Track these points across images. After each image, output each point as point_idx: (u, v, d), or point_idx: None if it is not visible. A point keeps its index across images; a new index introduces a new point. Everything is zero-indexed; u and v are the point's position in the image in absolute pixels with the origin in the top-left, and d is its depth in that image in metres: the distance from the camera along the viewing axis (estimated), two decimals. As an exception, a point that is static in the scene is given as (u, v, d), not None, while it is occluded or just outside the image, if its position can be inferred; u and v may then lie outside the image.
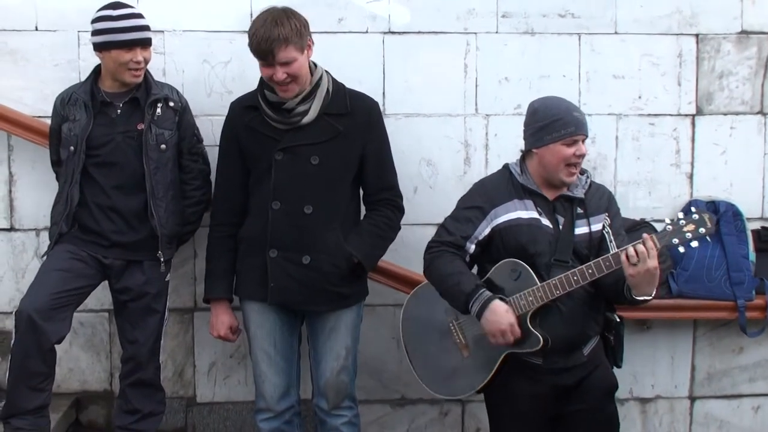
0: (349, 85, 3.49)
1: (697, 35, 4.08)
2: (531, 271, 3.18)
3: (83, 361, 4.03)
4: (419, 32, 4.00)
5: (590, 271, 3.10)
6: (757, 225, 4.09)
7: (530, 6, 4.01)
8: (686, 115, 4.11)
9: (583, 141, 3.23)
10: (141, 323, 3.58)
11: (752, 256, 4.00)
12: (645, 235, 3.07)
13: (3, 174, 3.92)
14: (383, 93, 3.98)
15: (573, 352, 3.25)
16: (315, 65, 3.42)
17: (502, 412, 3.35)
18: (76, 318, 3.61)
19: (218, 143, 3.58)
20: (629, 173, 4.10)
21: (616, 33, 4.05)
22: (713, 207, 4.00)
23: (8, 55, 3.87)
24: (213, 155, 3.61)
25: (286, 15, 3.26)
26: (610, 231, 3.28)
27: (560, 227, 3.25)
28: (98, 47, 3.48)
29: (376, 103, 3.54)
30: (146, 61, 3.51)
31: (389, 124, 3.63)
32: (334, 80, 3.45)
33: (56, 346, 3.42)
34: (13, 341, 3.37)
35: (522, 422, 3.29)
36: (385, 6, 3.98)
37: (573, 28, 4.03)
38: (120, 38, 3.43)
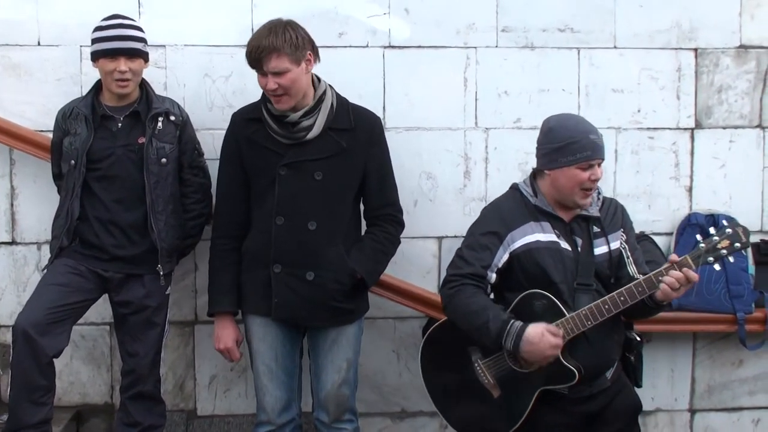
0: (349, 99, 3.49)
1: (695, 49, 4.10)
2: (557, 302, 3.05)
3: (84, 374, 4.04)
4: (419, 46, 4.01)
5: (622, 298, 2.99)
6: (756, 238, 4.07)
7: (530, 20, 4.03)
8: (685, 129, 4.12)
9: (599, 165, 3.10)
10: (141, 336, 3.58)
11: (751, 269, 4.01)
12: (674, 257, 2.99)
13: (5, 187, 3.93)
14: (383, 107, 3.99)
15: (597, 378, 3.16)
16: (319, 80, 3.43)
17: None
18: (76, 331, 3.62)
19: (219, 156, 3.56)
20: (628, 186, 4.10)
21: (615, 47, 4.06)
22: (712, 220, 4.00)
23: (11, 69, 3.88)
24: (214, 169, 3.60)
25: (284, 26, 3.26)
26: (627, 247, 3.19)
27: (579, 249, 3.14)
28: (91, 58, 3.50)
29: (379, 119, 3.54)
30: (134, 73, 3.46)
31: (389, 138, 3.63)
32: (337, 95, 3.45)
33: (57, 360, 3.42)
34: (11, 356, 3.38)
35: None
36: (386, 20, 4.00)
37: (572, 42, 4.05)
38: (103, 47, 3.43)
